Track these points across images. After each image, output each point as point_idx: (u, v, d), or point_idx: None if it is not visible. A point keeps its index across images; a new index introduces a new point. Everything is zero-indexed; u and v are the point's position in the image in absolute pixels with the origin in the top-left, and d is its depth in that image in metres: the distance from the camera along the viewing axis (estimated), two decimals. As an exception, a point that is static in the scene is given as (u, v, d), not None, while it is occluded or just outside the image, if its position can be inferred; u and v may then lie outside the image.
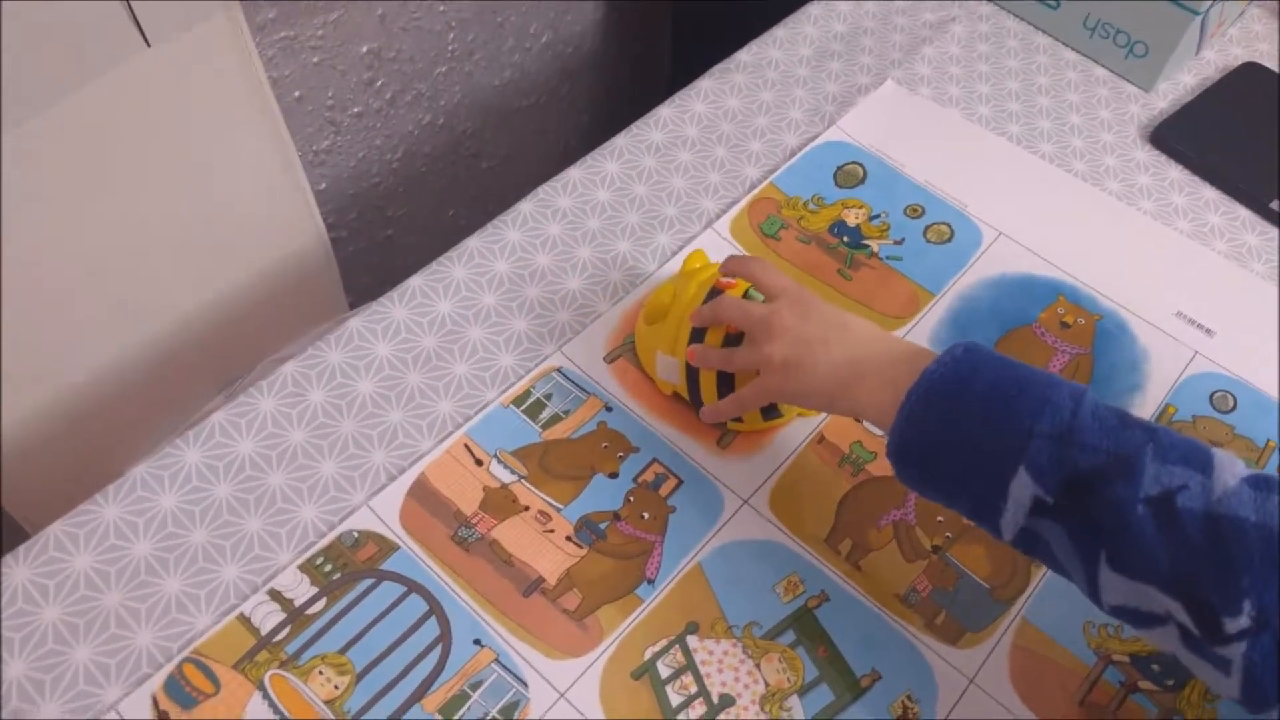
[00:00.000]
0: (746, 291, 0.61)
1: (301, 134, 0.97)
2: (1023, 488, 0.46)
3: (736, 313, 0.58)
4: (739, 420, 0.62)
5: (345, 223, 1.09)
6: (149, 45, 0.66)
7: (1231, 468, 0.44)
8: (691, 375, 0.61)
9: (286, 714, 0.51)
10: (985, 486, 0.47)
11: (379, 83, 1.01)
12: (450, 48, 1.06)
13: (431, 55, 1.05)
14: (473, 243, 0.71)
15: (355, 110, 1.01)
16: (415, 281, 0.69)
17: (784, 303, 0.57)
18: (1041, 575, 0.59)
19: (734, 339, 0.60)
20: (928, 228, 0.74)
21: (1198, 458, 0.44)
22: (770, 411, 0.62)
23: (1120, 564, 0.44)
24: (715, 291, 0.61)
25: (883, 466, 0.62)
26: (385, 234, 1.16)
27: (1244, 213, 0.78)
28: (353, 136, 1.03)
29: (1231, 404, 0.67)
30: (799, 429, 0.64)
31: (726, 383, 0.60)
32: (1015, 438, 0.46)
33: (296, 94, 0.93)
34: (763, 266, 0.60)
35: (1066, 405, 0.46)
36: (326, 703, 0.52)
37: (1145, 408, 0.66)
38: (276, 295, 0.92)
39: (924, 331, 0.69)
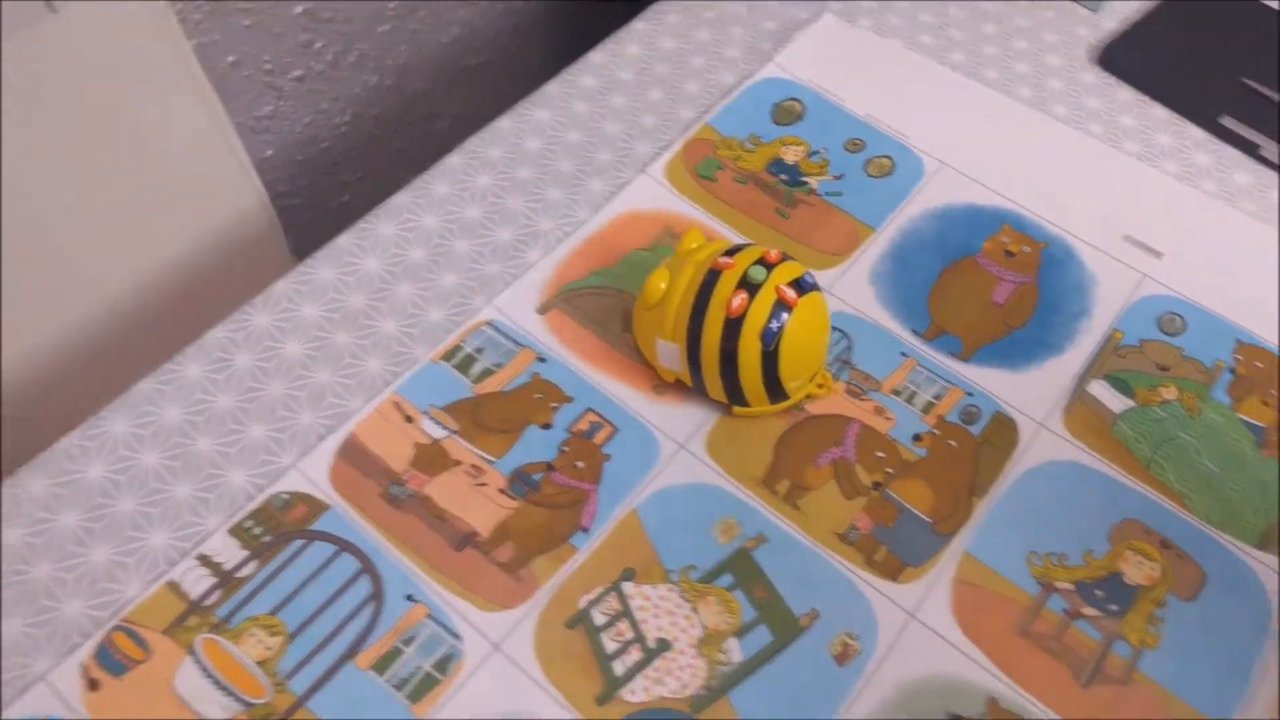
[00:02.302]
0: (745, 272, 0.57)
1: (240, 100, 0.95)
2: None
3: None
4: (745, 405, 0.60)
5: (298, 190, 1.08)
6: (54, 10, 0.65)
7: None
8: (693, 361, 0.59)
9: (219, 677, 0.51)
10: None
11: (318, 44, 0.99)
12: (391, 6, 1.04)
13: (371, 13, 1.02)
14: (400, 199, 0.69)
15: (296, 74, 0.99)
16: (342, 241, 0.67)
17: None
18: (984, 507, 0.58)
19: (734, 322, 0.57)
20: (868, 161, 0.73)
21: None
22: (778, 395, 0.59)
23: None
24: (713, 272, 0.58)
25: (822, 406, 0.61)
26: (340, 200, 1.14)
27: (1195, 131, 0.76)
28: (296, 101, 1.01)
29: (1180, 325, 0.66)
30: (737, 371, 0.63)
31: (729, 368, 0.58)
32: None
33: (230, 59, 0.92)
34: None
35: None
36: (259, 664, 0.51)
37: (1092, 334, 0.65)
38: (221, 266, 0.90)
39: (864, 267, 0.68)
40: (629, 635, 0.53)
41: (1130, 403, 0.62)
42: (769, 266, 0.58)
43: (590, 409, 0.61)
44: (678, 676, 0.52)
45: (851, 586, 0.55)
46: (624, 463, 0.59)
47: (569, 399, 0.61)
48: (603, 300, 0.65)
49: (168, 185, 0.82)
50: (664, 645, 0.53)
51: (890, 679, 0.52)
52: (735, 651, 0.53)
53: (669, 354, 0.60)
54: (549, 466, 0.59)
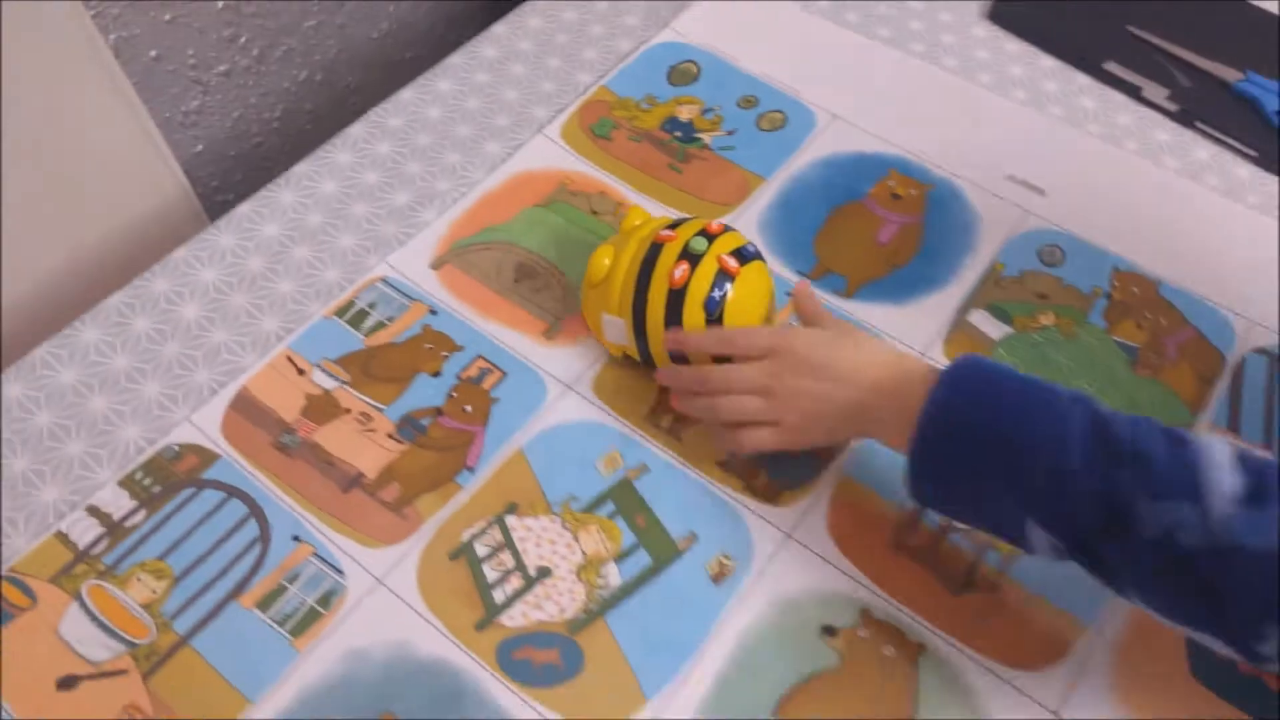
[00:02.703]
0: (687, 244, 0.58)
1: (165, 95, 0.97)
2: (1040, 537, 0.46)
3: (735, 378, 0.55)
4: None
5: (231, 185, 1.09)
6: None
7: (1219, 486, 0.42)
8: (639, 333, 0.59)
9: (105, 621, 0.52)
10: (1008, 532, 0.47)
11: (243, 39, 1.01)
12: (315, 3, 1.06)
13: (297, 9, 1.04)
14: (301, 168, 0.71)
15: (221, 69, 1.01)
16: (242, 209, 0.69)
17: (779, 364, 0.54)
18: (866, 433, 0.59)
19: (677, 293, 0.57)
20: (761, 116, 0.74)
21: (1186, 485, 0.43)
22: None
23: (1148, 604, 0.45)
24: (655, 246, 0.59)
25: (708, 344, 0.63)
26: (276, 196, 1.16)
27: (1081, 79, 0.78)
28: (224, 95, 1.03)
29: (1060, 256, 0.67)
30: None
31: None
32: (1013, 498, 0.46)
33: (152, 53, 0.93)
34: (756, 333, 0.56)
35: (1051, 455, 0.45)
36: (144, 606, 0.52)
37: (975, 268, 0.67)
38: (144, 260, 0.91)
39: (753, 215, 0.69)
40: (510, 564, 0.54)
41: (1009, 329, 0.64)
42: (710, 237, 0.58)
43: (480, 356, 0.62)
44: (556, 601, 0.53)
45: (730, 510, 0.56)
46: (512, 405, 0.60)
47: (459, 348, 0.62)
48: (494, 254, 0.67)
49: (84, 180, 0.83)
50: (544, 573, 0.54)
51: (765, 595, 0.53)
52: (614, 576, 0.54)
53: (615, 328, 0.60)
54: (437, 411, 0.60)
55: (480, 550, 0.55)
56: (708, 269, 0.57)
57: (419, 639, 0.52)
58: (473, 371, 0.61)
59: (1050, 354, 0.63)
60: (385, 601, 0.53)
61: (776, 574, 0.54)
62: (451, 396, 0.60)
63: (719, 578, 0.54)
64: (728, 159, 0.72)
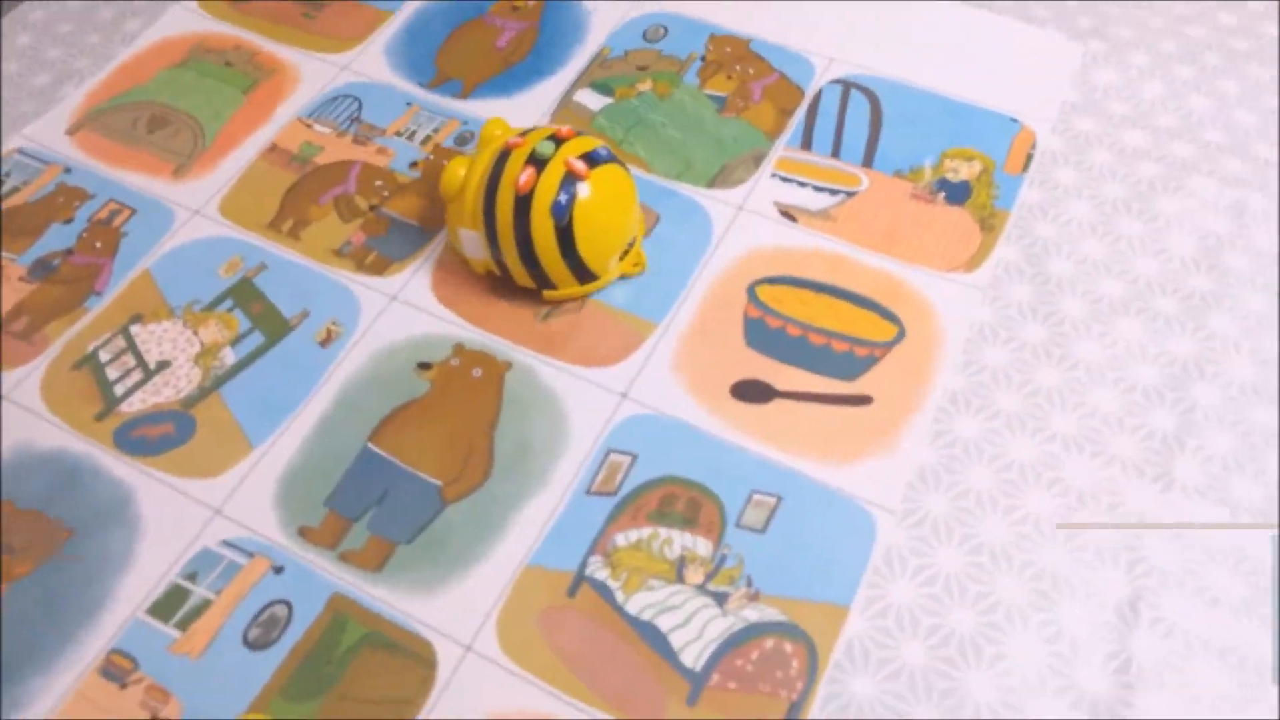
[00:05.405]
0: (534, 149, 0.56)
1: None
2: None
3: None
4: (553, 287, 0.58)
5: None
6: None
7: None
8: (494, 245, 0.57)
9: None
10: None
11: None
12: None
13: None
14: (-58, 68, 0.74)
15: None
16: (-118, 111, 0.71)
17: None
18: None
19: (523, 199, 0.55)
20: (391, -37, 0.79)
21: None
22: (586, 275, 0.58)
23: None
24: (504, 154, 0.57)
25: (329, 155, 0.67)
26: None
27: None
28: None
29: (662, 33, 0.72)
30: (248, 145, 0.68)
31: (526, 249, 0.56)
32: None
33: None
34: None
35: None
36: None
37: (583, 56, 0.71)
38: None
39: (381, 43, 0.73)
40: (132, 364, 0.58)
41: (609, 100, 0.69)
42: (559, 141, 0.57)
43: (111, 199, 0.65)
44: (174, 386, 0.57)
45: (341, 287, 0.60)
46: (140, 235, 0.64)
47: (91, 196, 0.65)
48: (130, 112, 0.70)
49: None
50: (164, 365, 0.58)
51: (368, 349, 0.58)
52: (229, 357, 0.58)
53: (472, 243, 0.58)
54: (68, 252, 0.63)
55: (104, 357, 0.58)
56: (554, 173, 0.55)
57: (39, 437, 0.55)
58: (103, 214, 0.65)
59: (645, 114, 0.68)
60: (6, 413, 0.56)
61: (380, 330, 0.59)
62: (82, 237, 0.63)
63: (327, 341, 0.58)
64: (359, 2, 0.76)
